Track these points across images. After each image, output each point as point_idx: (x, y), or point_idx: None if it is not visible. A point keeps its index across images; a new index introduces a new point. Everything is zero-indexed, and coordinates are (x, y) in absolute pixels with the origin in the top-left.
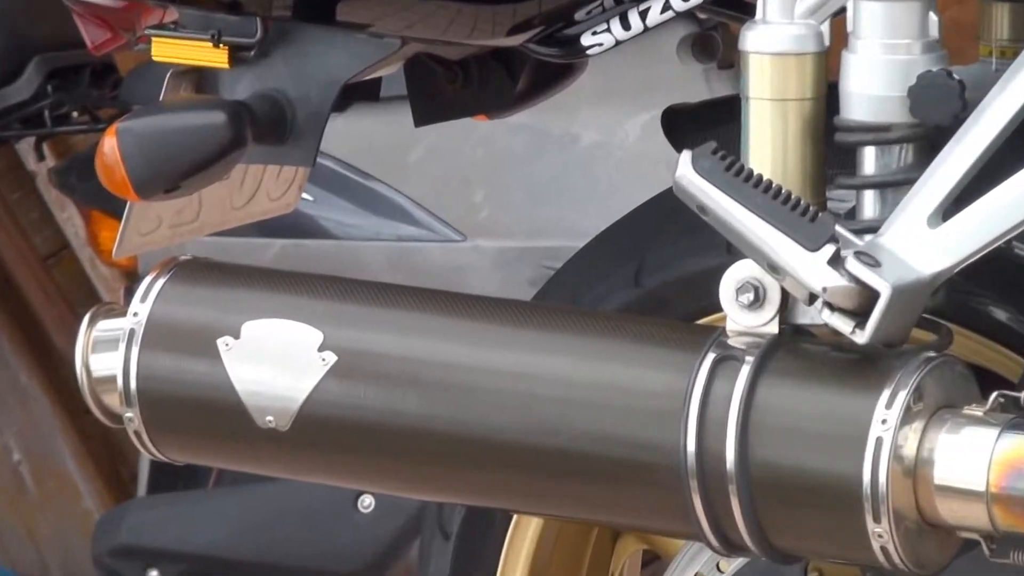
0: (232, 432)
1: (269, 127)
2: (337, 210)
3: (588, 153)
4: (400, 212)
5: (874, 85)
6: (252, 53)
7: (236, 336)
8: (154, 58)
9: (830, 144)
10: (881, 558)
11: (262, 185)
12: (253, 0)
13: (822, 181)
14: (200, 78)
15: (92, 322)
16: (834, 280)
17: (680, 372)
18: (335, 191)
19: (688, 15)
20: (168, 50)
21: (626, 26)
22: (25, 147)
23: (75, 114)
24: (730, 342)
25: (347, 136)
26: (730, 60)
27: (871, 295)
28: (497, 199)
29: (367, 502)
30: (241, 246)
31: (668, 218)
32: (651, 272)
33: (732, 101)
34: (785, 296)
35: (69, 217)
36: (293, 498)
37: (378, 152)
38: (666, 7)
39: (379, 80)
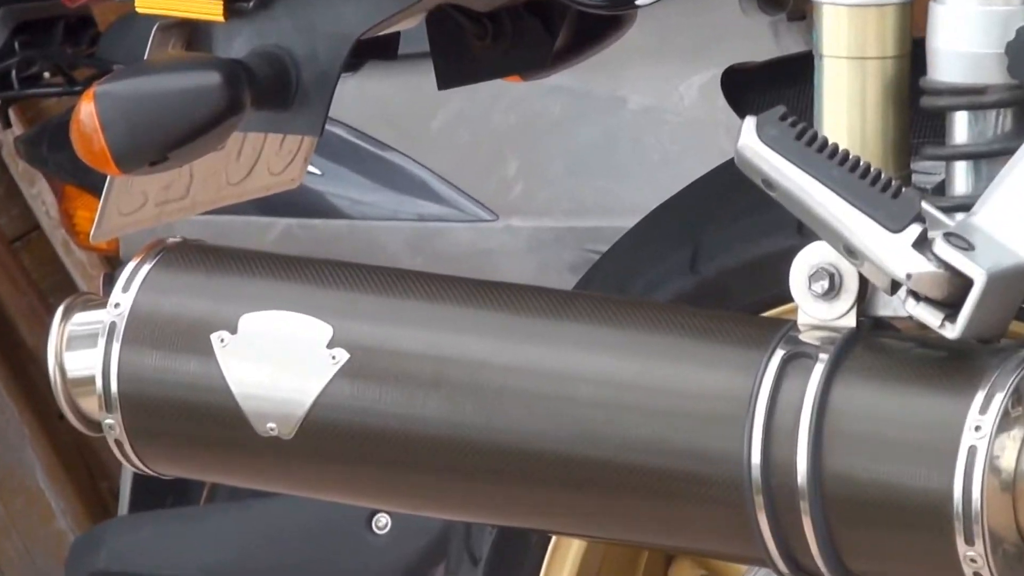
0: (228, 441)
1: (270, 90)
2: (349, 185)
3: (637, 119)
4: (421, 188)
5: (967, 41)
6: (251, 3)
7: (233, 331)
8: (138, 9)
9: (916, 109)
10: None
11: (262, 157)
12: None
13: (906, 151)
14: (191, 33)
15: (67, 315)
16: (920, 265)
17: (744, 372)
18: (346, 164)
19: None
20: (154, 0)
21: None
22: None
23: (47, 75)
24: (801, 337)
25: (360, 100)
26: (801, 11)
27: (963, 283)
28: (532, 172)
29: (383, 522)
30: (238, 227)
31: (729, 194)
32: (709, 257)
33: (803, 59)
34: (864, 284)
35: (39, 193)
36: (298, 517)
37: (396, 119)
38: None
39: (397, 35)
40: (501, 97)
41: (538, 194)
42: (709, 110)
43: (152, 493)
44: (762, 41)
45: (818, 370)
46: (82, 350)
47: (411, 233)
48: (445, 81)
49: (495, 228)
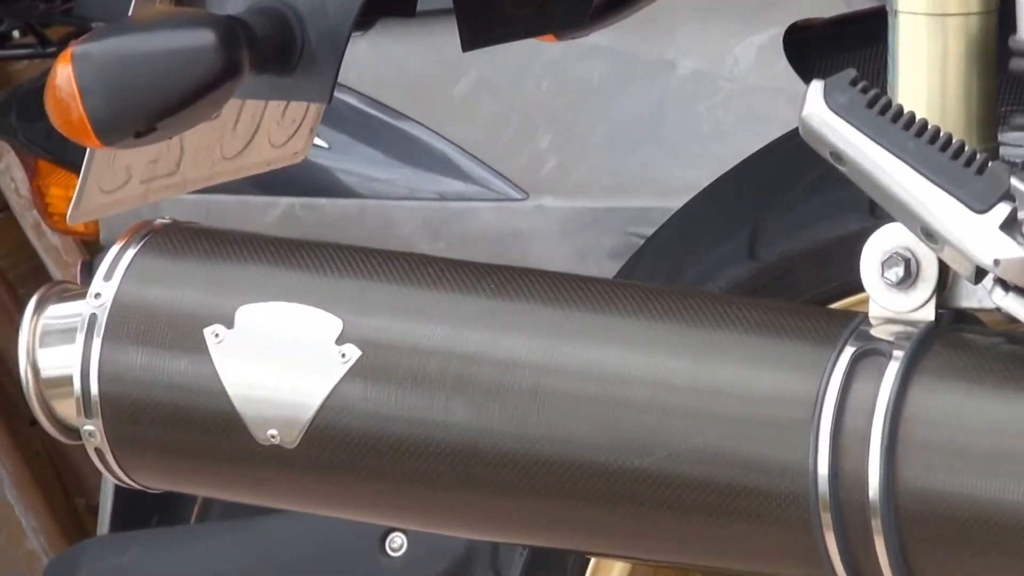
0: (224, 450)
1: (272, 50)
2: (359, 160)
3: (687, 85)
4: (442, 163)
5: None
6: None
7: (229, 325)
8: None
9: (1003, 72)
10: None
11: (262, 128)
12: None
13: (992, 121)
14: None
15: (40, 307)
16: (1009, 250)
17: (808, 372)
18: (357, 136)
19: None
20: None
21: None
22: None
23: (16, 34)
24: (873, 332)
25: (373, 63)
26: None
27: None
28: (568, 146)
29: (398, 542)
30: (234, 207)
31: (791, 170)
32: (770, 240)
33: (875, 16)
34: (944, 272)
35: (7, 169)
36: (302, 537)
37: (413, 85)
38: None
39: None
40: (533, 60)
41: (574, 170)
42: (769, 74)
43: (136, 510)
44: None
45: (892, 369)
46: (58, 347)
47: (430, 214)
48: (470, 41)
49: (525, 208)
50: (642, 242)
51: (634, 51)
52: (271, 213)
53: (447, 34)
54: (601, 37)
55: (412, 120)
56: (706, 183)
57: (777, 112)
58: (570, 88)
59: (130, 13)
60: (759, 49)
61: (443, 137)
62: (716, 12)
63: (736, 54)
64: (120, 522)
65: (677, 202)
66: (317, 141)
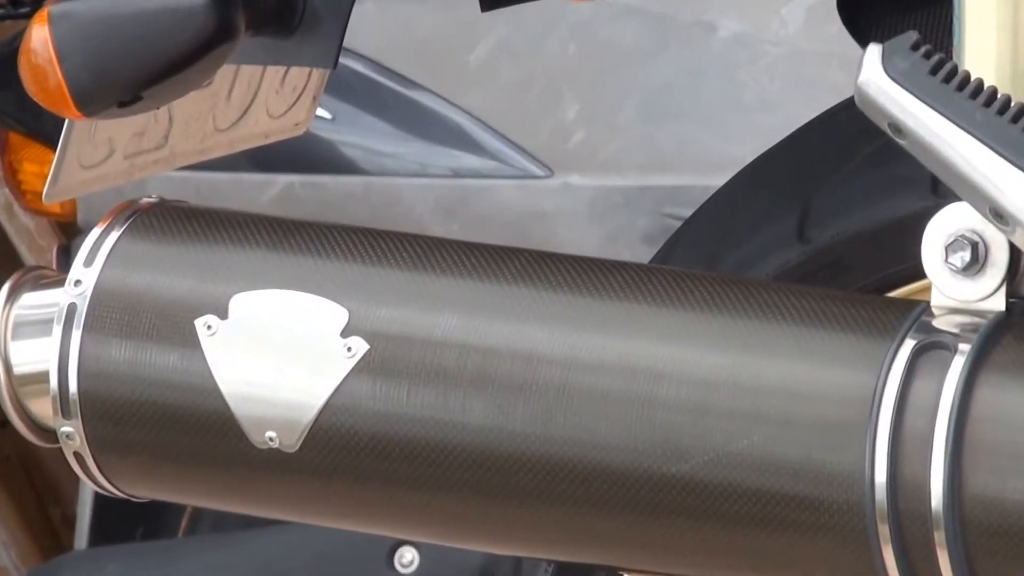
0: (216, 454)
1: (270, 11)
2: (367, 133)
3: (729, 50)
4: (458, 136)
5: None
6: None
7: (223, 315)
8: None
9: None
10: None
11: (259, 96)
12: None
13: None
14: None
15: (12, 295)
16: None
17: (864, 367)
18: (363, 106)
19: None
20: None
21: None
22: None
23: None
24: (935, 323)
25: (382, 25)
26: None
27: None
28: (597, 117)
29: (408, 557)
30: (228, 185)
31: (846, 143)
32: (821, 222)
33: None
34: (1016, 257)
35: None
36: (302, 551)
37: (426, 49)
38: None
39: None
40: (559, 21)
41: (604, 144)
42: (820, 37)
43: (118, 522)
44: None
45: (958, 365)
46: (33, 339)
47: (443, 193)
48: (489, 0)
49: (550, 186)
50: (679, 224)
51: (670, 11)
52: (268, 192)
53: None
54: None
55: (424, 88)
56: (750, 158)
57: (829, 79)
58: (599, 53)
59: None
60: (809, 9)
61: (458, 107)
62: None
63: (783, 15)
64: (100, 535)
65: (717, 179)
66: (320, 112)
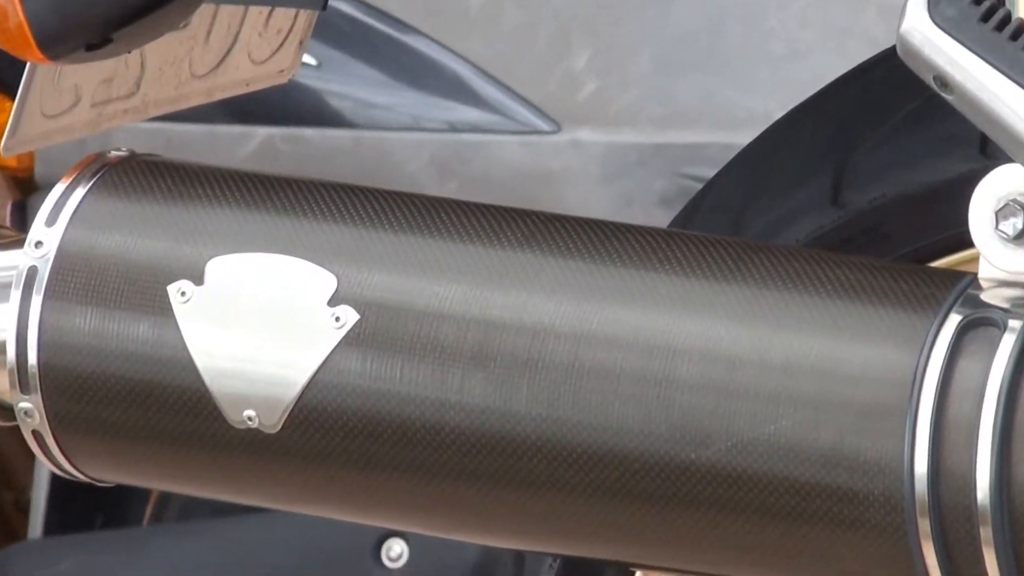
0: (190, 435)
1: None
2: (357, 82)
3: None
4: (455, 86)
5: None
6: None
7: (198, 280)
8: None
9: None
10: None
11: (240, 40)
12: None
13: None
14: None
15: None
16: None
17: (904, 344)
18: (353, 52)
19: None
20: None
21: None
22: None
23: None
24: (984, 296)
25: None
26: None
27: None
28: (609, 66)
29: (396, 550)
30: (203, 138)
31: (885, 98)
32: (858, 184)
33: None
34: None
35: None
36: (280, 542)
37: None
38: None
39: None
40: None
41: (616, 97)
42: None
43: (76, 509)
44: None
45: (1008, 343)
46: None
47: (440, 148)
48: None
49: (557, 143)
50: (699, 185)
51: None
52: (246, 146)
53: None
54: None
55: (419, 33)
56: (777, 114)
57: (865, 26)
58: None
59: None
60: None
61: (456, 54)
62: None
63: None
64: (56, 523)
65: (741, 137)
66: (306, 58)
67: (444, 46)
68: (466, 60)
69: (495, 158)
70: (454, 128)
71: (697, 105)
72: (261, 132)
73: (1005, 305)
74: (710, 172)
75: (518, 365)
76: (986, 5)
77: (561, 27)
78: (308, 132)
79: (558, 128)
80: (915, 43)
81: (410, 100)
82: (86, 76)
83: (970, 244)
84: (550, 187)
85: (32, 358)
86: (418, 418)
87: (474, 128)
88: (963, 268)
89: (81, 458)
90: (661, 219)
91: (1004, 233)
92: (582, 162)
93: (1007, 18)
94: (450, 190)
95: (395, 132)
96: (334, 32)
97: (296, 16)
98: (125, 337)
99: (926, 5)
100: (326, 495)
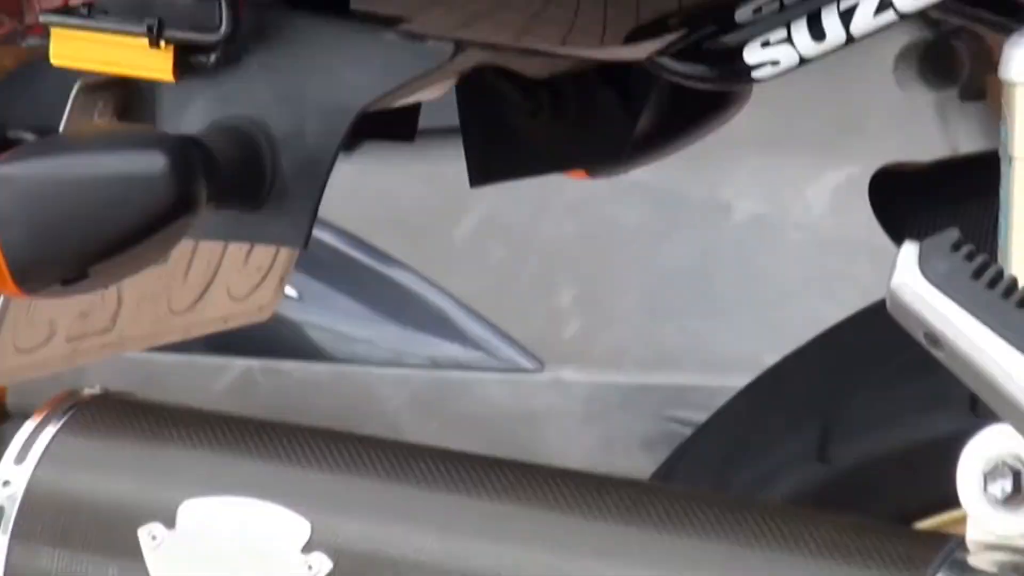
0: None
1: (235, 180)
2: (338, 315)
3: (745, 234)
4: (438, 321)
5: None
6: (212, 59)
7: (169, 524)
8: (52, 61)
9: None
10: None
11: (220, 276)
12: None
13: None
14: (127, 96)
15: None
16: None
17: None
18: (334, 284)
19: (914, 17)
20: (76, 49)
21: (818, 34)
22: None
23: None
24: (971, 560)
25: (358, 194)
26: (980, 88)
27: None
28: (595, 306)
29: None
30: (181, 368)
31: (873, 351)
32: (844, 440)
33: (984, 162)
34: None
35: None
36: None
37: (406, 223)
38: (884, 5)
39: (416, 109)
40: (555, 198)
41: (601, 337)
42: (847, 224)
43: None
44: (925, 127)
45: None
46: None
47: (421, 385)
48: (480, 174)
49: (540, 382)
50: (683, 428)
51: (680, 189)
52: (224, 378)
53: (449, 160)
54: (642, 174)
55: (402, 266)
56: (764, 357)
57: (856, 272)
58: (599, 233)
59: (61, 128)
60: (835, 191)
61: (440, 289)
62: (782, 147)
63: (807, 197)
64: None
65: (728, 380)
66: (287, 290)
67: (427, 280)
68: (449, 295)
69: (477, 396)
70: (436, 364)
71: (682, 346)
72: (239, 363)
73: (992, 570)
74: (695, 415)
75: None
76: (978, 262)
77: (546, 264)
78: (287, 365)
79: (541, 366)
80: (905, 298)
81: (392, 334)
82: (62, 310)
83: (958, 505)
84: (532, 427)
85: None
86: None
87: (457, 365)
88: (950, 529)
89: None
90: (643, 463)
91: (993, 496)
92: (565, 402)
93: (999, 275)
94: (431, 429)
95: (376, 367)
96: (316, 263)
97: (277, 253)
98: None
99: (917, 260)
100: None
